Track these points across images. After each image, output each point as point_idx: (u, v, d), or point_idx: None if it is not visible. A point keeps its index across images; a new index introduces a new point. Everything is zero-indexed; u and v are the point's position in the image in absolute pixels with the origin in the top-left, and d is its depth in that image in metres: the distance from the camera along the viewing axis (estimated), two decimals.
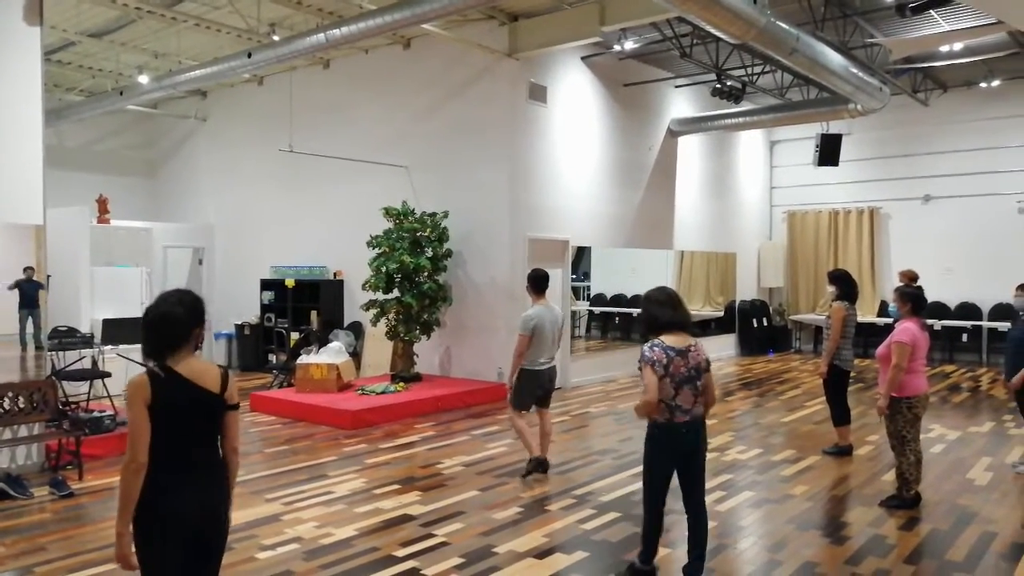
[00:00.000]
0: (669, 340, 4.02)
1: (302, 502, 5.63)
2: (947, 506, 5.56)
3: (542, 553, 4.63)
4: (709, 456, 6.90)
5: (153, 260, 12.43)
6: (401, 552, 4.64)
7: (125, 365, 8.08)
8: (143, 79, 11.24)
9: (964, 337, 13.88)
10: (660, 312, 4.10)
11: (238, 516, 5.23)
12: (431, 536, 4.92)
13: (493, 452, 7.05)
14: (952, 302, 13.93)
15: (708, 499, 5.63)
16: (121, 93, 11.80)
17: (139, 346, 2.89)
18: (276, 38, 9.56)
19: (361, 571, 4.36)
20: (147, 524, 2.63)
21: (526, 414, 6.38)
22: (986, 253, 13.70)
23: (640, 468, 6.29)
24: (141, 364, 2.88)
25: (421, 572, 4.34)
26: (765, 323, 15.48)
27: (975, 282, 13.76)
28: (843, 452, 7.10)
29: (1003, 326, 13.61)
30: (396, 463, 6.76)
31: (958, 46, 10.60)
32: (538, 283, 6.40)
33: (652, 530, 4.22)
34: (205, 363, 2.82)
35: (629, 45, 10.18)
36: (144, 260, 12.07)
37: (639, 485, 5.94)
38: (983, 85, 12.99)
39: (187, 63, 11.19)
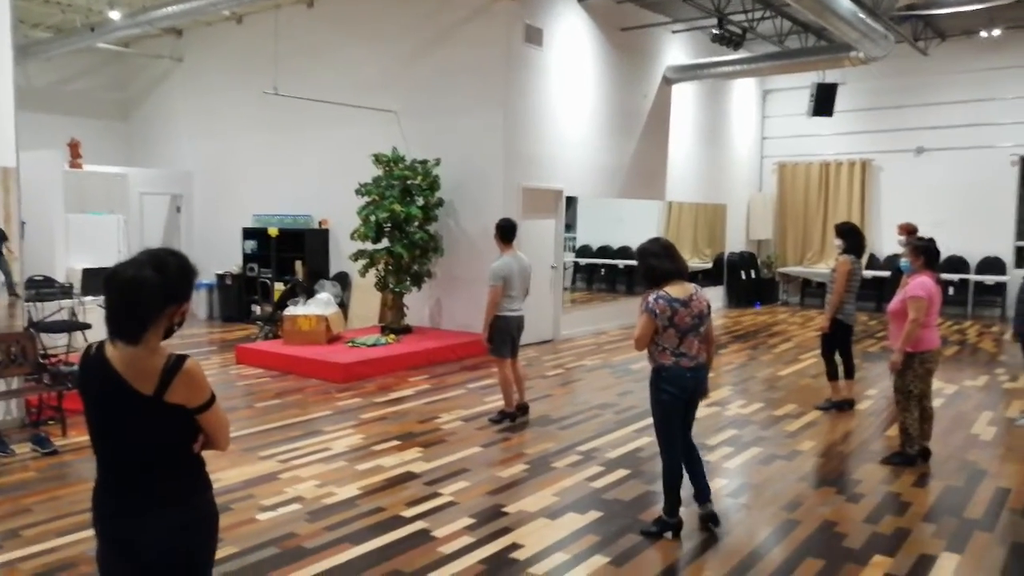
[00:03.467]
0: (672, 291, 4.04)
1: (299, 459, 5.43)
2: (957, 462, 5.50)
3: (554, 513, 4.49)
4: (711, 411, 6.87)
5: (129, 207, 12.00)
6: (408, 512, 4.47)
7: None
8: (115, 15, 10.63)
9: (951, 290, 13.89)
10: (658, 263, 4.10)
11: (233, 475, 5.04)
12: (437, 495, 4.75)
13: (491, 406, 6.88)
14: (940, 252, 13.86)
15: (716, 455, 5.61)
16: (92, 30, 11.17)
17: None
18: None
19: (368, 533, 4.18)
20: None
21: (509, 362, 6.39)
22: (976, 206, 13.63)
23: (643, 423, 6.27)
24: None
25: (431, 534, 4.18)
26: (753, 275, 15.39)
27: (964, 235, 13.69)
28: (839, 406, 7.02)
29: (990, 279, 13.67)
30: (393, 418, 6.57)
31: None
32: (505, 232, 6.40)
33: (674, 479, 4.17)
34: (157, 354, 2.14)
35: None
36: (119, 207, 11.64)
37: (644, 440, 5.88)
38: (983, 34, 12.73)
39: None
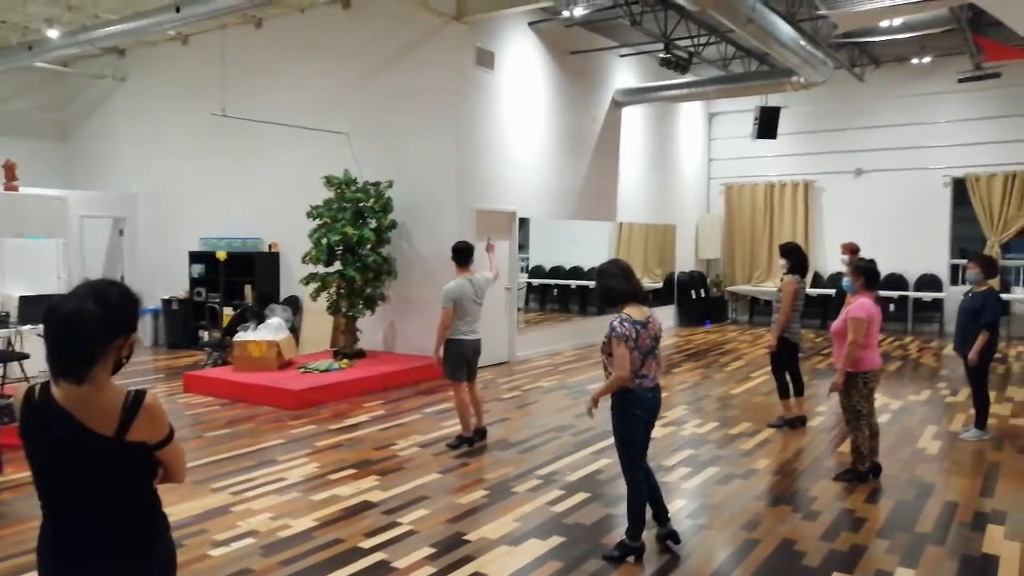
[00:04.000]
0: (632, 313, 4.11)
1: (252, 491, 5.28)
2: (906, 477, 5.64)
3: (516, 540, 4.45)
4: (668, 431, 6.91)
5: (69, 231, 11.57)
6: (366, 543, 4.37)
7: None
8: (53, 34, 10.32)
9: (891, 307, 14.33)
10: (616, 284, 4.17)
11: (184, 509, 4.87)
12: (396, 525, 4.66)
13: (449, 431, 6.81)
14: (880, 273, 14.32)
15: (674, 476, 5.63)
16: (29, 48, 10.83)
17: None
18: None
19: (326, 567, 4.08)
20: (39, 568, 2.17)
21: (465, 386, 6.38)
22: (913, 226, 14.14)
23: (602, 445, 6.27)
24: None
25: (391, 565, 4.10)
26: (702, 294, 15.65)
27: (902, 253, 14.18)
28: (791, 424, 7.14)
29: (928, 296, 14.16)
30: (348, 445, 6.45)
31: (897, 21, 10.74)
32: (460, 255, 6.41)
33: (640, 501, 4.18)
34: (109, 390, 2.05)
35: (578, 11, 9.88)
36: (59, 231, 11.20)
37: (603, 462, 5.89)
38: (915, 61, 13.27)
39: (105, 17, 10.33)
